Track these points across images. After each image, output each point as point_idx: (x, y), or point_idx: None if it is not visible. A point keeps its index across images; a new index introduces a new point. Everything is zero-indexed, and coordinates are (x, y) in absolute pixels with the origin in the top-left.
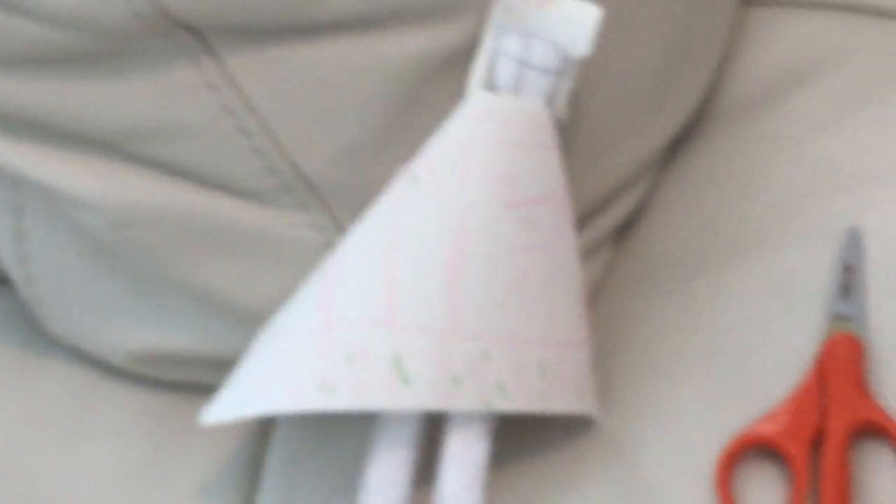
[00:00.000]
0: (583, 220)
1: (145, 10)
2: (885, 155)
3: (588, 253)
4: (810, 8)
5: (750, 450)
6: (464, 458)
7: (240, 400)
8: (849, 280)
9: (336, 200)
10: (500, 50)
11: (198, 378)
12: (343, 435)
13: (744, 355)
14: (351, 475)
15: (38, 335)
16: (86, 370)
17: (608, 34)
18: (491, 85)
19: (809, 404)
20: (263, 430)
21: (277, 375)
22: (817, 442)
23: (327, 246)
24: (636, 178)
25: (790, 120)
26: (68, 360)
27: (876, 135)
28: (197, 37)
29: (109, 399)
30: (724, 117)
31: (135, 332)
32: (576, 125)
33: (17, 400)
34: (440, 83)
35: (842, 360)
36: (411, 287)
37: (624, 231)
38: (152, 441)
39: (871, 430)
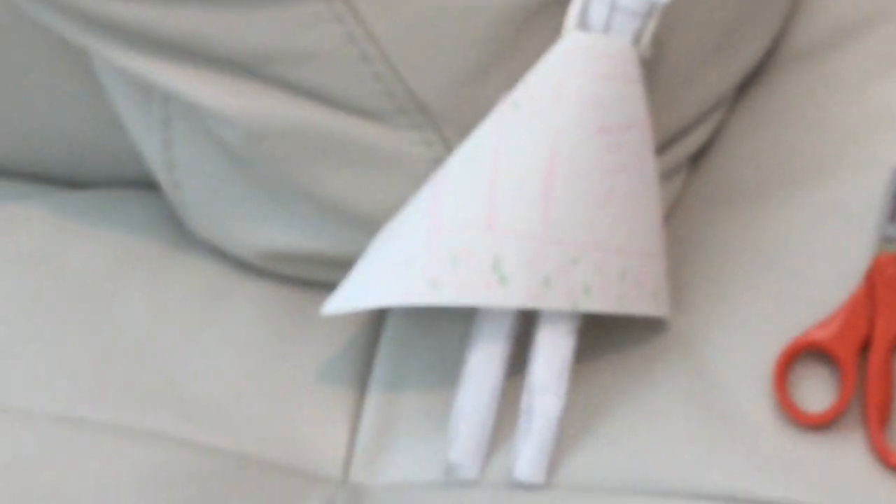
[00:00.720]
0: (663, 146)
1: None
2: None
3: (667, 176)
4: None
5: (805, 352)
6: (552, 352)
7: (357, 293)
8: None
9: (446, 122)
10: None
11: (320, 276)
12: (446, 327)
13: (802, 269)
14: (453, 363)
15: (182, 234)
16: (222, 265)
17: None
18: (584, 25)
19: (859, 314)
20: (377, 320)
21: (390, 272)
22: (865, 348)
23: (437, 161)
24: (711, 111)
25: (850, 64)
26: (208, 257)
27: None
28: None
29: (241, 291)
30: (792, 59)
31: (266, 233)
32: (658, 62)
33: (162, 289)
34: (540, 22)
35: (888, 278)
36: (510, 198)
37: (699, 157)
38: (277, 327)
39: None
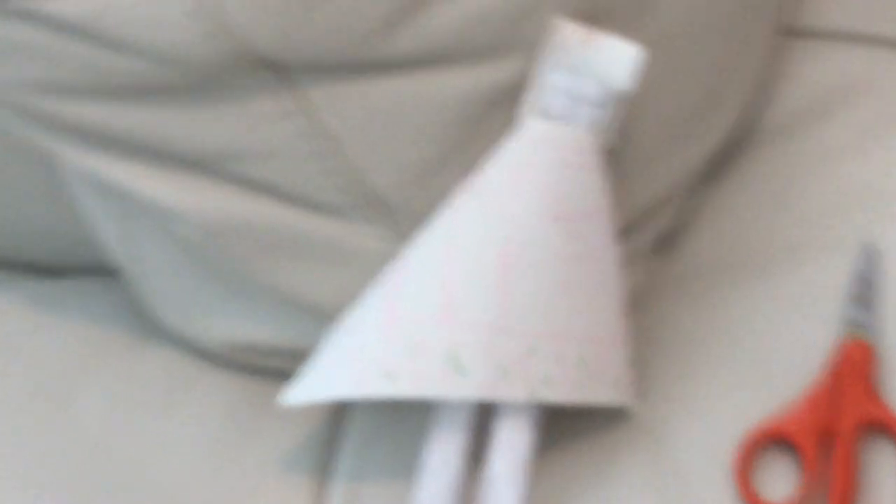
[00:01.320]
0: (625, 231)
1: (230, 50)
2: None
3: (630, 261)
4: (844, 40)
5: (767, 441)
6: (511, 444)
7: (313, 385)
8: (864, 290)
9: (401, 214)
10: (550, 84)
11: (282, 366)
12: (412, 418)
13: (766, 356)
14: (418, 454)
15: (147, 323)
16: (185, 355)
17: (653, 64)
18: (543, 114)
19: (823, 402)
20: (340, 411)
21: (346, 364)
22: (829, 437)
23: (391, 255)
24: (674, 194)
25: (821, 143)
26: (171, 346)
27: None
28: (278, 72)
29: (204, 382)
30: (762, 139)
31: (226, 324)
32: (620, 147)
33: (124, 381)
34: (496, 113)
35: (854, 364)
36: (466, 287)
37: (667, 239)
38: (237, 419)
39: (878, 427)
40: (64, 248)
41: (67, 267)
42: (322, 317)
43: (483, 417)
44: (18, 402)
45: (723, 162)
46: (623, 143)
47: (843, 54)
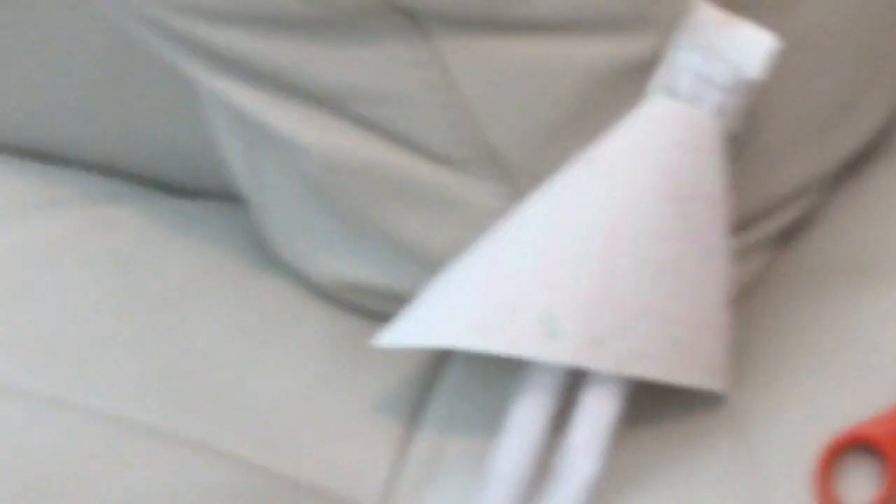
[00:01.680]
0: (745, 223)
1: None
2: None
3: (747, 253)
4: None
5: (853, 446)
6: (595, 413)
7: (409, 331)
8: None
9: (519, 174)
10: (682, 63)
11: (390, 309)
12: (506, 376)
13: (868, 360)
14: (503, 415)
15: (263, 251)
16: (297, 288)
17: (791, 59)
18: (670, 92)
19: None
20: (438, 360)
21: (443, 314)
22: None
23: (504, 212)
24: (800, 193)
25: None
26: (283, 277)
27: None
28: (413, 19)
29: (309, 314)
30: None
31: (337, 262)
32: (748, 137)
33: (236, 306)
34: (624, 86)
35: None
36: (570, 253)
37: (789, 234)
38: (339, 356)
39: None
40: (198, 170)
41: (200, 189)
42: (430, 264)
43: (572, 385)
44: (131, 312)
45: (859, 165)
46: (756, 134)
47: None
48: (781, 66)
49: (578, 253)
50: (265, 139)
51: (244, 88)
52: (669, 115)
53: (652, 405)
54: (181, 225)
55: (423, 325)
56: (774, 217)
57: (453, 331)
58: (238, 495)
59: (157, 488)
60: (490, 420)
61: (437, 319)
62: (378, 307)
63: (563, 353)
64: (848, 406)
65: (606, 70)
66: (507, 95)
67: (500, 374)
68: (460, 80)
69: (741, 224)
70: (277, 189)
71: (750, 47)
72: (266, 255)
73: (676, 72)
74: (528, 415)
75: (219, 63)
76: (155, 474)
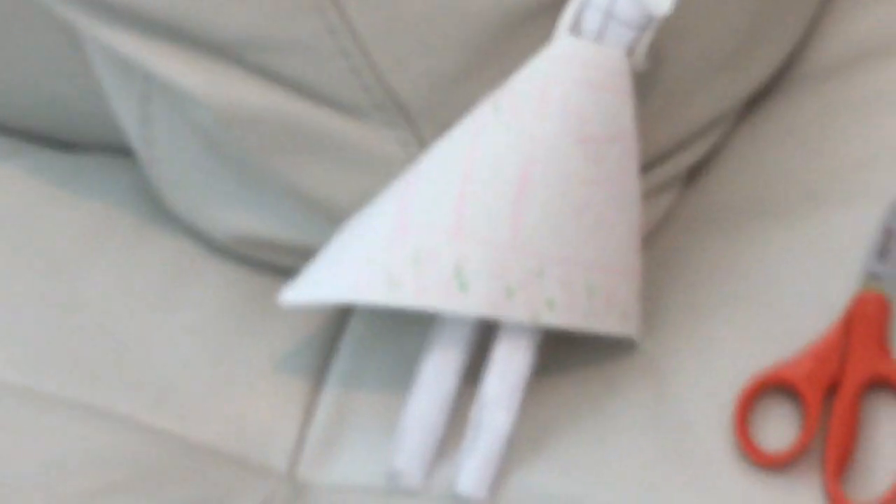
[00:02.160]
0: (654, 161)
1: None
2: None
3: (657, 191)
4: None
5: (771, 388)
6: (507, 365)
7: (315, 287)
8: (888, 243)
9: (423, 121)
10: (588, 1)
11: (290, 263)
12: (411, 330)
13: (780, 301)
14: (413, 367)
15: (157, 206)
16: (193, 244)
17: None
18: (577, 32)
19: (831, 353)
20: (341, 315)
21: (350, 268)
22: (833, 389)
23: (410, 160)
24: (709, 128)
25: (862, 92)
26: (180, 233)
27: None
28: None
29: (209, 273)
30: (803, 82)
31: (237, 217)
32: (656, 74)
33: (129, 264)
34: (530, 27)
35: (868, 317)
36: (479, 203)
37: (694, 174)
38: (240, 314)
39: (885, 384)
40: (85, 123)
41: (88, 143)
42: (334, 216)
43: (484, 336)
44: (23, 273)
45: (762, 100)
46: (661, 70)
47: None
48: (685, 2)
49: (487, 201)
50: (158, 91)
51: (133, 38)
52: (576, 54)
53: (566, 352)
54: (73, 182)
55: (328, 280)
56: (684, 153)
57: (360, 285)
58: (143, 462)
59: (59, 457)
60: (398, 374)
61: (342, 273)
62: (282, 261)
63: (472, 304)
64: (762, 348)
65: (511, 11)
66: (409, 39)
67: (407, 326)
68: (359, 25)
69: (651, 162)
70: (171, 142)
71: None
72: (159, 211)
73: (583, 10)
74: (439, 368)
75: (105, 11)
76: (57, 443)
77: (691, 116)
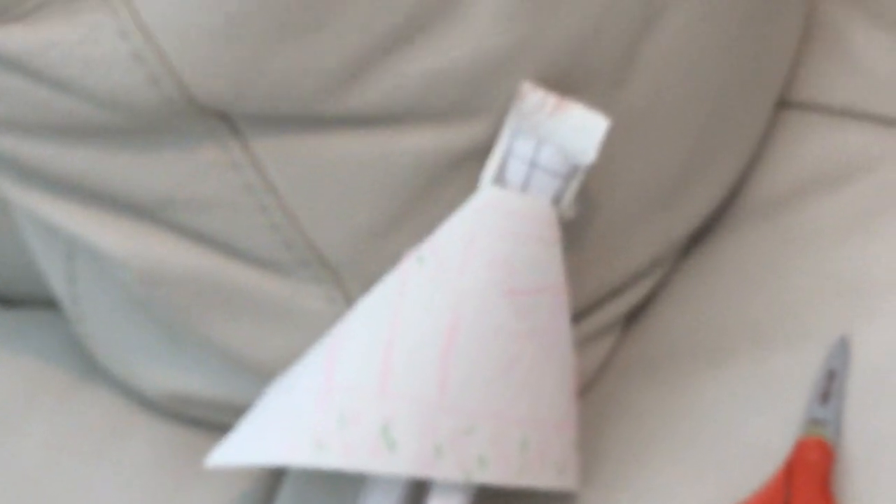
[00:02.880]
0: (590, 308)
1: (175, 97)
2: (889, 269)
3: (594, 339)
4: (844, 116)
5: None
6: None
7: (241, 448)
8: (830, 387)
9: (348, 276)
10: (512, 151)
11: (222, 420)
12: (345, 489)
13: (721, 448)
14: None
15: (89, 361)
16: (127, 400)
17: (626, 136)
18: (501, 182)
19: (774, 502)
20: (275, 475)
21: (276, 429)
22: None
23: (336, 316)
24: (647, 270)
25: (807, 225)
26: (112, 389)
27: (886, 249)
28: (224, 120)
29: (142, 429)
30: (746, 215)
31: (166, 374)
32: (588, 220)
33: (62, 417)
34: (454, 177)
35: (810, 464)
36: (406, 360)
37: (634, 316)
38: (173, 473)
39: None
40: (15, 278)
41: (18, 297)
42: (262, 374)
43: (418, 493)
44: None
45: (704, 235)
46: (594, 215)
47: (839, 131)
48: (616, 143)
49: (413, 358)
50: (81, 251)
51: (54, 201)
52: (502, 205)
53: None
54: (7, 338)
55: (256, 442)
56: (623, 297)
57: (288, 446)
58: None
59: None
60: None
61: (270, 435)
62: (212, 418)
63: (401, 464)
64: (703, 497)
65: (432, 163)
66: (329, 195)
67: (342, 484)
68: (278, 182)
69: (587, 309)
70: (97, 301)
71: (580, 130)
72: (91, 365)
73: (507, 161)
74: None
75: (24, 175)
76: None
77: (627, 261)
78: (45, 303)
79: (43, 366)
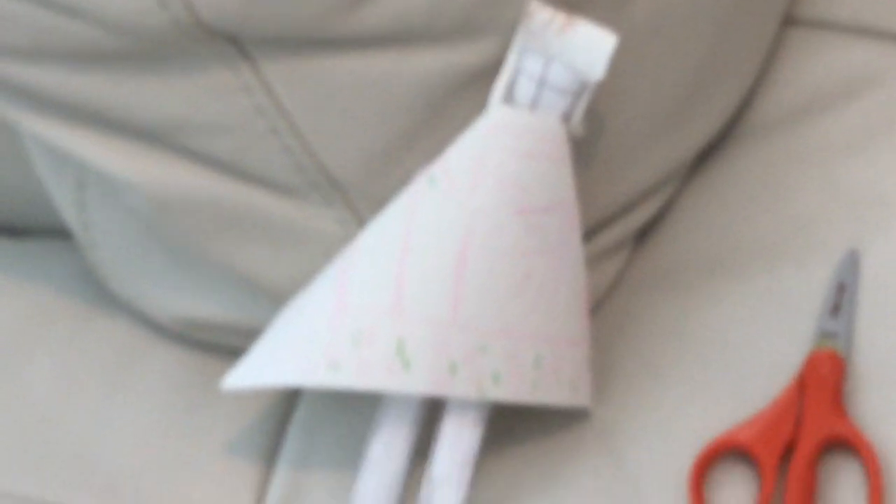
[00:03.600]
0: (600, 226)
1: (184, 19)
2: None
3: (604, 256)
4: (849, 32)
5: (726, 453)
6: (456, 441)
7: (256, 371)
8: (841, 299)
9: (359, 198)
10: (520, 69)
11: (236, 343)
12: (360, 409)
13: (734, 363)
14: (362, 447)
15: (100, 290)
16: (138, 327)
17: (633, 54)
18: (511, 101)
19: (786, 415)
20: (291, 395)
21: (290, 350)
22: (789, 451)
23: (348, 238)
24: (657, 188)
25: (814, 142)
26: (124, 317)
27: (893, 163)
28: (233, 43)
29: (156, 355)
30: (753, 133)
31: (177, 299)
32: (597, 138)
33: (74, 351)
34: (463, 97)
35: (822, 376)
36: (419, 279)
37: (646, 232)
38: (188, 397)
39: (841, 444)
40: (26, 208)
41: (30, 228)
42: (275, 296)
43: (432, 412)
44: None
45: (712, 153)
46: (603, 133)
47: (845, 47)
48: (624, 60)
49: (427, 277)
50: (92, 178)
51: (64, 127)
52: (511, 124)
53: (516, 424)
54: (12, 267)
55: (269, 365)
56: (633, 215)
57: (302, 367)
58: None
59: None
60: (348, 454)
61: (284, 357)
62: (227, 342)
63: (416, 383)
64: (716, 412)
65: (441, 82)
66: (339, 116)
67: (356, 404)
68: (289, 104)
69: (597, 227)
70: (108, 228)
71: (589, 47)
72: (103, 294)
73: (516, 79)
74: (387, 447)
75: (35, 102)
76: None
77: (636, 179)
78: (56, 232)
79: (55, 295)
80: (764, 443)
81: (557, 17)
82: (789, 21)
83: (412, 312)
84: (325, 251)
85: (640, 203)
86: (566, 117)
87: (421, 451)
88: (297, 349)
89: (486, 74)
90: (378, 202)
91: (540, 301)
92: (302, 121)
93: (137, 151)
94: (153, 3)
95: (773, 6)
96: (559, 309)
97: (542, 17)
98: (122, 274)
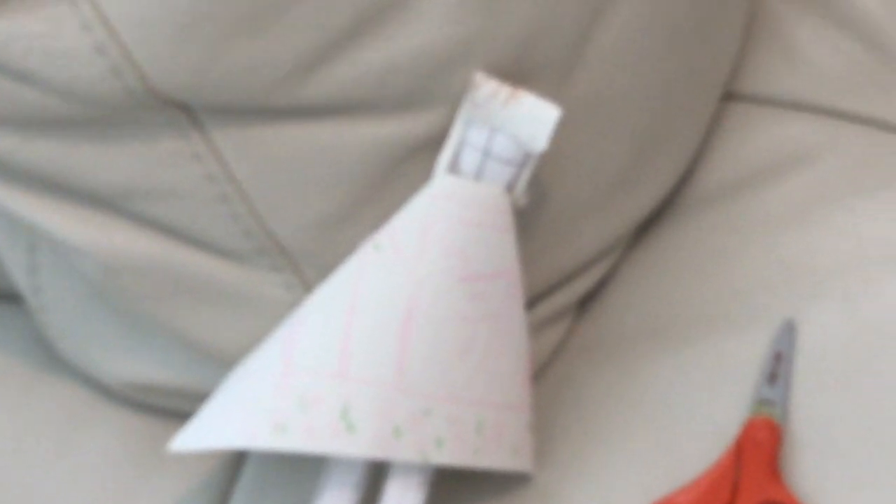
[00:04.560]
0: (545, 292)
1: (137, 87)
2: (833, 254)
3: (547, 323)
4: (786, 108)
5: None
6: None
7: (202, 433)
8: (778, 368)
9: (306, 264)
10: (465, 140)
11: (180, 407)
12: (306, 472)
13: (673, 428)
14: None
15: (48, 353)
16: (87, 390)
17: (576, 125)
18: (456, 170)
19: (723, 481)
20: (237, 459)
21: (237, 413)
22: None
23: (295, 303)
24: (599, 257)
25: (752, 213)
26: (73, 379)
27: (829, 235)
28: (185, 111)
29: (104, 419)
30: (694, 204)
31: (125, 363)
32: (541, 207)
33: (21, 411)
34: (409, 167)
35: (759, 443)
36: (364, 344)
37: (587, 301)
38: (135, 461)
39: None
40: None
41: None
42: (223, 361)
43: (376, 475)
44: None
45: (654, 223)
46: (547, 203)
47: (782, 122)
48: (567, 132)
49: (372, 341)
50: (43, 241)
51: (15, 191)
52: (456, 193)
53: (460, 487)
54: None
55: (217, 426)
56: (576, 283)
57: (249, 430)
58: None
59: None
60: None
61: (231, 419)
62: (174, 406)
63: (361, 446)
64: (656, 476)
65: (388, 152)
66: (287, 184)
67: (301, 467)
68: (238, 172)
69: (541, 295)
70: (59, 291)
71: (533, 119)
72: (51, 357)
73: (461, 149)
74: None
75: None
76: None
77: (579, 248)
78: (5, 296)
79: (2, 357)
80: None
81: (502, 90)
82: (729, 96)
83: (357, 376)
84: (273, 316)
85: (583, 272)
86: (510, 187)
87: None
88: (243, 412)
89: (432, 144)
90: (325, 268)
91: (483, 367)
92: (251, 188)
93: (87, 216)
94: (106, 72)
95: (714, 81)
96: (502, 375)
97: (488, 89)
98: (71, 337)
